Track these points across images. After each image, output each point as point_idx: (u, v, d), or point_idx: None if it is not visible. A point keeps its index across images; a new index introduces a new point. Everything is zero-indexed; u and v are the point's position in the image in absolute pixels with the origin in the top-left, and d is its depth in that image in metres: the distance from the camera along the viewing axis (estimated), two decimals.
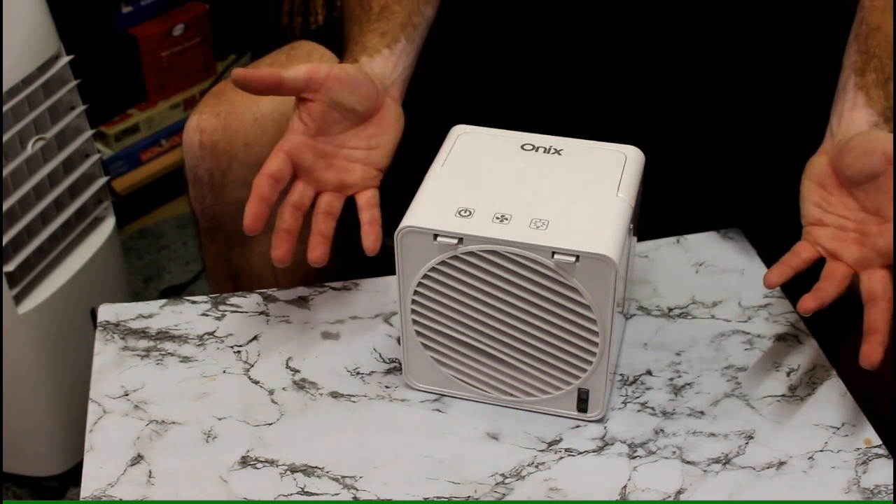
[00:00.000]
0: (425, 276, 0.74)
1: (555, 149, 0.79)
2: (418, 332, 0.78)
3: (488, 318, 0.75)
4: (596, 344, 0.73)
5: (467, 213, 0.73)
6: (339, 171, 0.82)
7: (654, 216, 0.88)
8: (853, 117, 0.80)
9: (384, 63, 0.86)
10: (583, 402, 0.78)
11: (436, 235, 0.72)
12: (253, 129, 0.92)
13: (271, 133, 0.92)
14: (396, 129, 0.85)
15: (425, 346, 0.79)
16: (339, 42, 0.94)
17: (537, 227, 0.71)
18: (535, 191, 0.75)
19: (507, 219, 0.72)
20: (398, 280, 0.76)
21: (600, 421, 0.79)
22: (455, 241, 0.72)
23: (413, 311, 0.77)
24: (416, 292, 0.75)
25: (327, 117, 0.81)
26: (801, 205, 0.80)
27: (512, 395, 0.79)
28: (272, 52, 0.98)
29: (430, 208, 0.74)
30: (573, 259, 0.70)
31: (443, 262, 0.73)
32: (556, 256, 0.70)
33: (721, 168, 0.88)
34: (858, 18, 0.87)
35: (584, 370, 0.75)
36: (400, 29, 0.88)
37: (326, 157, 0.82)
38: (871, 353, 0.70)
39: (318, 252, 0.79)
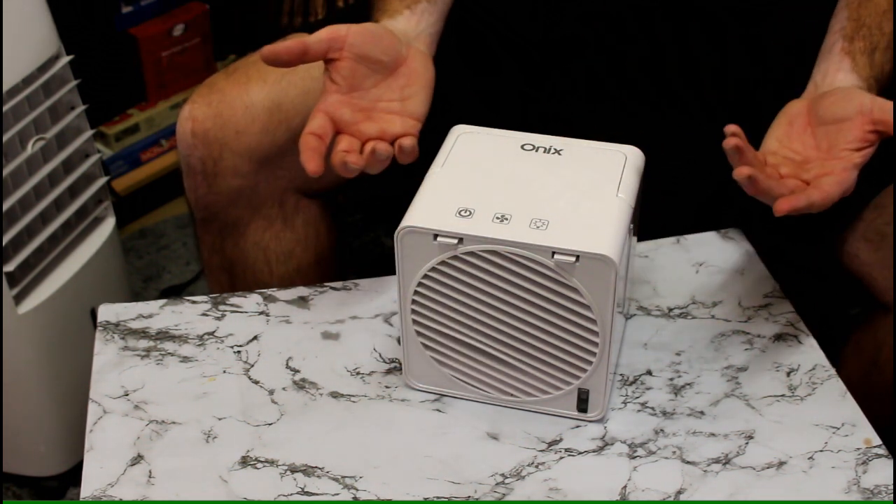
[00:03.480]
0: (425, 276, 0.74)
1: (555, 149, 0.79)
2: (418, 332, 0.78)
3: (488, 318, 0.75)
4: (596, 344, 0.73)
5: (467, 213, 0.73)
6: (379, 122, 0.82)
7: (654, 216, 0.88)
8: (838, 77, 0.84)
9: (406, 22, 0.87)
10: (583, 402, 0.78)
11: (436, 235, 0.72)
12: (244, 117, 0.92)
13: (262, 121, 0.92)
14: (426, 77, 0.85)
15: (425, 346, 0.79)
16: None
17: (537, 227, 0.71)
18: (535, 191, 0.75)
19: (507, 219, 0.72)
20: (398, 280, 0.75)
21: (600, 421, 0.79)
22: (455, 241, 0.72)
23: (413, 311, 0.77)
24: (416, 292, 0.75)
25: (356, 72, 0.82)
26: (766, 135, 0.83)
27: (512, 395, 0.79)
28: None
29: (430, 208, 0.74)
30: (573, 259, 0.70)
31: (443, 262, 0.73)
32: (556, 256, 0.70)
33: (721, 168, 0.88)
34: None
35: (584, 370, 0.75)
36: None
37: (364, 110, 0.83)
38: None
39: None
